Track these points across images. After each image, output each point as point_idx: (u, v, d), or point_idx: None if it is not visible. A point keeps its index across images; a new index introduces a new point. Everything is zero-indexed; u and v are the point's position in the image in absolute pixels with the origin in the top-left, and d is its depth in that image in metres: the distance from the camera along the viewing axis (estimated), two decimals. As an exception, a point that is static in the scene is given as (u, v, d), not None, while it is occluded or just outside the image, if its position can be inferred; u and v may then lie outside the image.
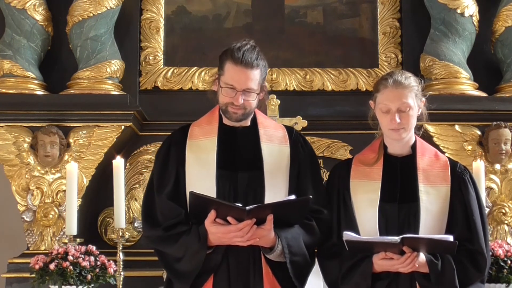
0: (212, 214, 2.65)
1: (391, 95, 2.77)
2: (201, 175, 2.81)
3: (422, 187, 2.76)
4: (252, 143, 2.88)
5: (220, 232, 2.66)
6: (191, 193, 2.66)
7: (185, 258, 2.73)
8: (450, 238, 2.62)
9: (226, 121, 2.91)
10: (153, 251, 2.88)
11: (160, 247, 2.82)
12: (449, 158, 2.92)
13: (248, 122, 2.92)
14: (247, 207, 2.62)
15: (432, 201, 2.74)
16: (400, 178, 2.81)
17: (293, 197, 2.73)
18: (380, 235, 2.73)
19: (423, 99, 2.85)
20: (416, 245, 2.63)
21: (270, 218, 2.65)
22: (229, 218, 2.64)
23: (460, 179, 2.80)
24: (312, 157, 2.98)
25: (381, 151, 2.86)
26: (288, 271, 2.73)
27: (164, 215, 2.79)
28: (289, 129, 3.01)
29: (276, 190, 2.81)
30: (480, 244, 2.71)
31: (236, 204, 2.67)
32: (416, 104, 2.79)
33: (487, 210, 4.13)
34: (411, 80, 2.81)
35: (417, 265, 2.63)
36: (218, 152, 2.84)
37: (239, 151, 2.87)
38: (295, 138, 2.96)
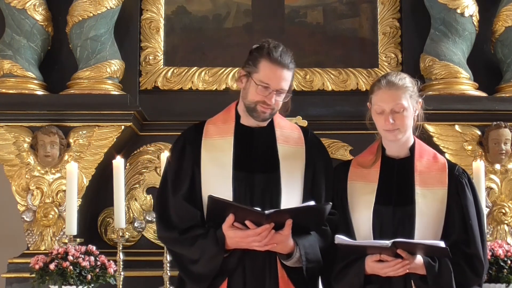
0: (230, 218, 2.62)
1: (384, 96, 2.76)
2: (217, 176, 2.76)
3: (418, 190, 2.74)
4: (268, 144, 2.85)
5: (238, 236, 2.63)
6: (210, 197, 2.62)
7: (201, 261, 2.69)
8: (441, 244, 2.58)
9: (243, 120, 2.87)
10: (168, 250, 2.91)
11: (175, 248, 2.78)
12: (448, 161, 2.89)
13: (265, 123, 2.88)
14: (266, 212, 2.59)
15: (428, 204, 2.72)
16: (396, 180, 2.79)
17: (312, 203, 2.71)
18: (374, 238, 2.71)
19: (420, 100, 2.83)
20: (408, 249, 2.61)
21: (289, 223, 2.62)
22: (247, 223, 2.61)
23: (457, 182, 2.77)
24: (327, 161, 2.95)
25: (379, 153, 2.85)
26: (302, 274, 2.72)
27: (179, 216, 2.75)
28: (304, 130, 2.98)
29: (291, 193, 2.79)
30: (477, 248, 2.69)
31: (255, 208, 2.64)
32: (411, 105, 2.77)
33: (487, 210, 4.14)
34: (405, 81, 2.78)
35: (407, 270, 2.62)
36: (234, 152, 2.80)
37: (255, 152, 2.83)
38: (311, 140, 2.93)
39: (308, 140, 2.92)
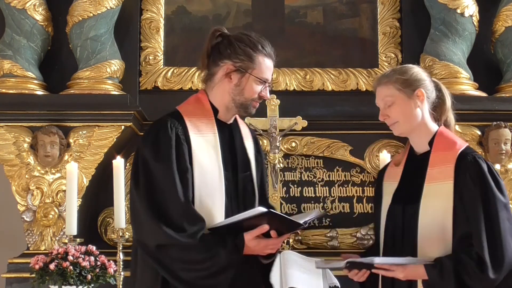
0: (263, 229, 2.53)
1: (376, 93, 2.75)
2: (210, 176, 2.63)
3: (426, 186, 2.66)
4: (240, 141, 2.78)
5: (259, 245, 2.56)
6: (270, 211, 2.51)
7: (213, 268, 2.53)
8: (375, 260, 2.55)
9: (221, 116, 2.73)
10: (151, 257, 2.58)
11: (180, 254, 2.53)
12: (462, 151, 2.68)
13: (233, 118, 2.79)
14: (302, 222, 2.58)
15: (433, 200, 2.63)
16: (415, 177, 2.72)
17: (317, 211, 2.79)
18: (385, 238, 2.71)
19: (420, 89, 2.69)
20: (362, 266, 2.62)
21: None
22: (272, 232, 2.56)
23: (462, 174, 2.62)
24: (263, 156, 2.94)
25: (407, 150, 2.81)
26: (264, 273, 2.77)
27: (190, 222, 2.53)
28: (247, 125, 2.91)
29: (257, 191, 2.78)
30: (480, 244, 2.53)
31: (297, 220, 2.62)
32: (403, 95, 2.68)
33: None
34: (391, 73, 2.72)
35: (406, 278, 2.59)
36: (221, 150, 2.68)
37: (235, 150, 2.75)
38: (254, 134, 2.90)
39: (253, 135, 2.88)
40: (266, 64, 2.71)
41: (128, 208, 4.35)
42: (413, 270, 2.58)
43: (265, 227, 2.53)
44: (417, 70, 2.75)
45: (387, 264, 2.58)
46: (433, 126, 2.74)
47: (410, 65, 2.81)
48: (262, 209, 2.51)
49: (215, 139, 2.68)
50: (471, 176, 2.61)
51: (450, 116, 2.79)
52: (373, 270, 2.61)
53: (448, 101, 2.76)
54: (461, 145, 2.70)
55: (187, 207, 2.55)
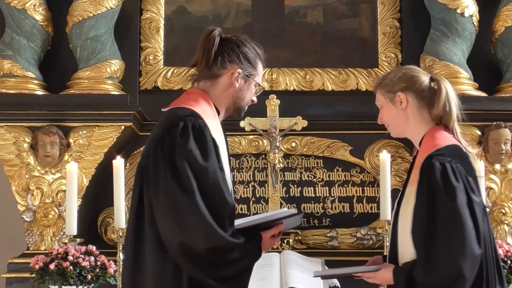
0: (280, 229, 2.57)
1: None
2: (226, 177, 2.59)
3: (407, 189, 2.64)
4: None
5: (270, 243, 2.59)
6: (299, 213, 2.59)
7: (242, 267, 2.53)
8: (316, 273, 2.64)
9: (220, 117, 2.72)
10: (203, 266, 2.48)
11: (225, 256, 2.48)
12: (431, 153, 2.57)
13: None
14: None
15: (406, 204, 2.59)
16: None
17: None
18: (390, 239, 2.72)
19: (400, 93, 2.63)
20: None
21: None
22: (277, 232, 2.60)
23: (419, 179, 2.55)
24: None
25: (415, 149, 2.80)
26: None
27: (230, 223, 2.50)
28: None
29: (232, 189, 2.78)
30: (419, 251, 2.48)
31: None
32: (387, 99, 2.67)
33: (487, 210, 4.10)
34: (382, 78, 2.74)
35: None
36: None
37: (228, 149, 2.77)
38: None
39: None
40: (262, 70, 2.76)
41: (128, 208, 4.38)
42: (384, 276, 2.59)
43: (281, 227, 2.55)
44: (404, 72, 2.70)
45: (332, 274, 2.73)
46: (425, 127, 2.67)
47: (401, 67, 2.81)
48: (293, 211, 2.56)
49: (223, 141, 2.68)
50: (422, 181, 2.54)
51: (450, 115, 2.65)
52: (355, 278, 2.68)
53: (441, 100, 2.64)
54: (438, 146, 2.59)
55: (232, 208, 2.53)
